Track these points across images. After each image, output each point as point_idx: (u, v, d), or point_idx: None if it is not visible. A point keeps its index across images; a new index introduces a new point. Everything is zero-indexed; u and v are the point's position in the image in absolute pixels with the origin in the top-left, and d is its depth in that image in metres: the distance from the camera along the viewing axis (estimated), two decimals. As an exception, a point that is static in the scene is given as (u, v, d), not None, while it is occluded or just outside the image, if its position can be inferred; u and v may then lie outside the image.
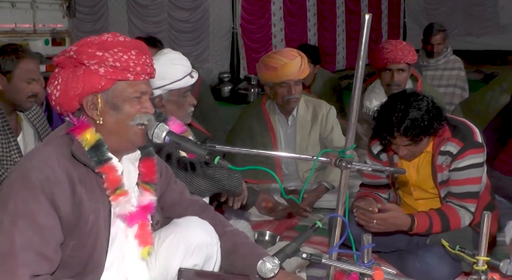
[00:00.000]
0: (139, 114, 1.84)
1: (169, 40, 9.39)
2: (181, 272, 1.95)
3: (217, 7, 10.15)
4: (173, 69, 2.70)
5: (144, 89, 1.85)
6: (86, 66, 1.78)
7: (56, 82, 1.82)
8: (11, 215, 1.69)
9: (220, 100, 8.30)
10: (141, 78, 1.83)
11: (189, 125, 3.27)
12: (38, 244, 1.69)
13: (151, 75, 1.87)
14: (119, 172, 1.86)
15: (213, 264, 2.06)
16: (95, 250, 1.83)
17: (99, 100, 1.80)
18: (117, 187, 1.84)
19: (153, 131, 1.88)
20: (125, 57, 1.78)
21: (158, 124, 1.90)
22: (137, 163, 1.97)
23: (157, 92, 2.68)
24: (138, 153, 1.96)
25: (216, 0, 10.12)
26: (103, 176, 1.82)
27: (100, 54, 1.76)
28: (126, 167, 1.93)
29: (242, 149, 2.11)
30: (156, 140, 1.89)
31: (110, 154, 1.83)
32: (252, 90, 8.90)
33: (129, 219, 1.89)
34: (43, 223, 1.70)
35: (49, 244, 1.72)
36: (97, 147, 1.80)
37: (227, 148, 1.95)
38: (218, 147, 1.85)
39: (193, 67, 2.83)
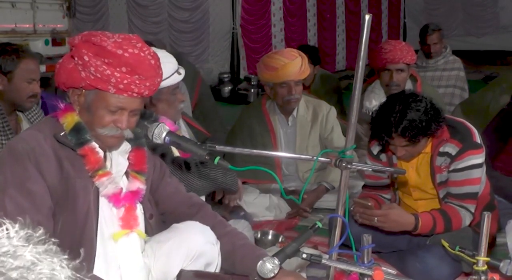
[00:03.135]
0: (110, 126, 1.84)
1: (169, 40, 9.39)
2: (180, 272, 1.95)
3: (217, 7, 10.15)
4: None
5: (122, 105, 1.82)
6: (75, 63, 1.80)
7: (61, 60, 1.88)
8: (1, 184, 1.74)
9: (220, 100, 8.30)
10: (125, 94, 1.80)
11: (189, 125, 3.27)
12: (29, 210, 1.72)
13: (141, 94, 1.83)
14: (100, 155, 1.88)
15: (214, 269, 2.06)
16: (86, 227, 1.84)
17: (82, 95, 1.85)
18: (99, 167, 1.86)
19: (153, 131, 1.89)
20: (108, 72, 1.75)
21: (158, 124, 1.90)
22: (126, 155, 1.99)
23: None
24: (128, 146, 1.98)
25: (216, 0, 10.12)
26: (85, 158, 1.84)
27: (87, 59, 1.75)
28: (116, 158, 1.96)
29: (242, 150, 2.12)
30: (156, 140, 1.90)
31: (89, 137, 1.85)
32: (252, 90, 8.90)
33: (115, 199, 1.90)
34: (32, 189, 1.74)
35: (41, 210, 1.75)
36: (77, 130, 1.84)
37: (227, 149, 1.95)
38: (218, 147, 1.85)
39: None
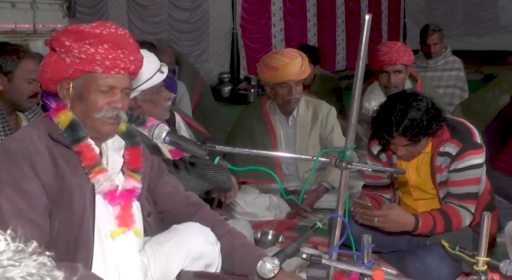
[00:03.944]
0: (105, 108, 1.85)
1: (169, 40, 9.38)
2: (180, 273, 1.95)
3: (217, 7, 10.15)
4: (142, 69, 2.66)
5: (113, 83, 1.85)
6: (57, 53, 1.82)
7: (43, 62, 1.89)
8: None
9: (220, 101, 8.30)
10: (112, 72, 1.82)
11: (189, 125, 3.27)
12: (26, 210, 1.71)
13: (128, 70, 1.85)
14: (96, 151, 1.88)
15: (214, 270, 2.05)
16: (83, 225, 1.84)
17: (71, 87, 1.85)
18: (95, 164, 1.86)
19: (153, 132, 1.89)
20: (92, 50, 1.78)
21: (158, 124, 1.90)
22: (121, 152, 1.99)
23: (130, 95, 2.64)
24: (123, 143, 1.98)
25: (216, 0, 10.12)
26: (81, 155, 1.84)
27: (68, 44, 1.78)
28: (111, 156, 1.96)
29: (242, 150, 2.12)
30: (156, 141, 1.90)
31: (85, 134, 1.86)
32: (252, 91, 8.91)
33: (110, 196, 1.90)
34: (27, 188, 1.74)
35: (37, 209, 1.74)
36: (72, 127, 1.84)
37: (227, 149, 1.95)
38: (218, 147, 1.85)
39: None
